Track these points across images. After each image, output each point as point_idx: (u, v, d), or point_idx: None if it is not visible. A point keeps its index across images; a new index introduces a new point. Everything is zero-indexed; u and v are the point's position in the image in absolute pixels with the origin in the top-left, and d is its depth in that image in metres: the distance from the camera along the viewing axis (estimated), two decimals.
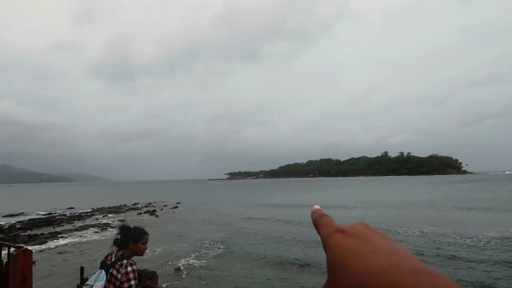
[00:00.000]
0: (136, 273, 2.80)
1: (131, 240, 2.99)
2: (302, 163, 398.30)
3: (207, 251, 13.40)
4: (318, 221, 0.66)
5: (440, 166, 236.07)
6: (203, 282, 9.44)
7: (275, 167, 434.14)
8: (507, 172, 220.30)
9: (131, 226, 3.14)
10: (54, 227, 21.57)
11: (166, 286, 9.16)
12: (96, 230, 20.09)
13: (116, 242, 3.01)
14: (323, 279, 9.08)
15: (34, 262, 5.19)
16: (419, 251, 12.35)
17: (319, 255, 11.89)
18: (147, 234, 3.10)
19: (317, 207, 0.66)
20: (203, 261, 11.79)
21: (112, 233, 18.03)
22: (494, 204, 28.90)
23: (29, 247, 4.23)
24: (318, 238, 0.64)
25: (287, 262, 11.32)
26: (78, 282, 2.89)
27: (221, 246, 14.29)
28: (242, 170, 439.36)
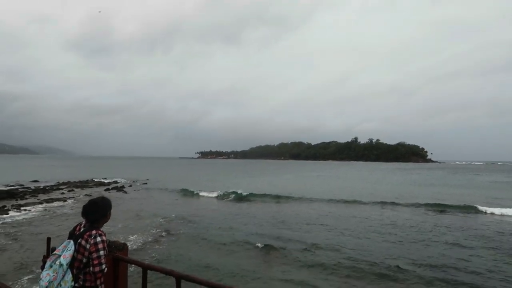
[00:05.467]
0: (105, 244, 2.80)
1: (109, 210, 3.03)
2: (274, 145, 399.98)
3: (175, 228, 13.71)
4: None
5: (407, 153, 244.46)
6: (171, 257, 9.72)
7: (246, 148, 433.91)
8: (467, 163, 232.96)
9: (97, 198, 3.07)
10: (17, 200, 21.17)
11: (136, 258, 9.28)
12: (61, 204, 19.95)
13: (93, 218, 2.87)
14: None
15: None
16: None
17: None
18: None
19: None
20: (172, 237, 12.17)
21: (77, 206, 17.95)
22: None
23: None
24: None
25: (248, 243, 11.77)
26: (44, 253, 2.80)
27: (188, 224, 14.72)
28: (214, 150, 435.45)
